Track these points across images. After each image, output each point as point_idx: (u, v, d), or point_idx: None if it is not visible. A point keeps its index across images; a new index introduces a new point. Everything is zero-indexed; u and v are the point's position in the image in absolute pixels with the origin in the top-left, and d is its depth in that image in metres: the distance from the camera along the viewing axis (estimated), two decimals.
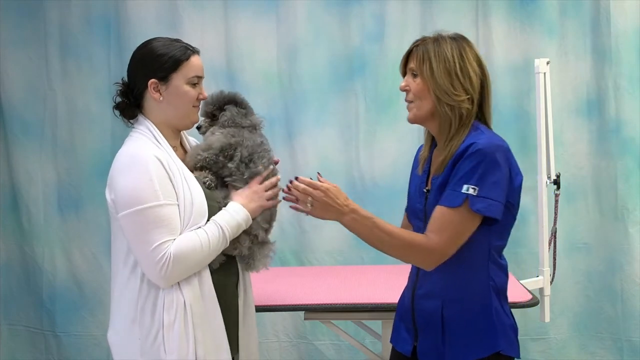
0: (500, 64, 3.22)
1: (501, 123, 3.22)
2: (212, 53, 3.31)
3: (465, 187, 1.61)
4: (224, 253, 1.74)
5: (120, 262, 1.72)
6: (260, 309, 2.21)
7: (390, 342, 1.89)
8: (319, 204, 1.70)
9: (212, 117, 1.84)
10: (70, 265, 3.44)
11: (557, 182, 2.71)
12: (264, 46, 3.31)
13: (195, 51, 1.77)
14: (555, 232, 2.75)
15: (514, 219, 1.74)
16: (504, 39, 3.22)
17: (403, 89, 1.75)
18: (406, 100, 1.76)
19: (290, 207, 1.74)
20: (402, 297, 1.88)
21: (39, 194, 3.43)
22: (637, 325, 3.15)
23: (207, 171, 1.77)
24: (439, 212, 1.64)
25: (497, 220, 1.64)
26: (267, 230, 1.82)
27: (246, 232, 1.76)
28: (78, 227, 3.42)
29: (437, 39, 1.72)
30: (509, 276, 1.78)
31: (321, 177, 1.76)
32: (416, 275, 1.80)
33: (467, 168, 1.62)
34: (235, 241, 1.75)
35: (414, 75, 1.72)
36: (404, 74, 1.77)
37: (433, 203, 1.68)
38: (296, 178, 1.73)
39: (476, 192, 1.60)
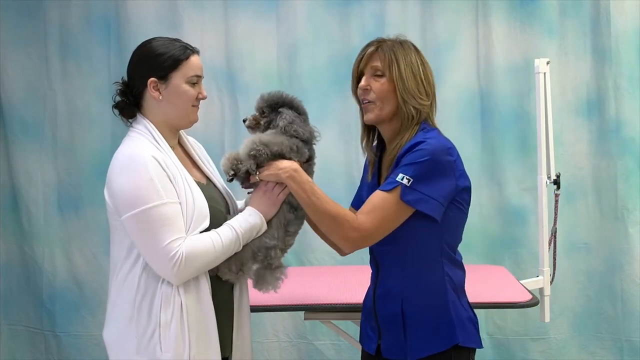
0: (500, 64, 3.22)
1: (501, 123, 3.24)
2: (212, 53, 3.32)
3: (400, 176, 1.64)
4: (227, 279, 1.75)
5: (119, 261, 1.72)
6: (260, 309, 2.21)
7: (360, 342, 1.92)
8: (265, 166, 1.73)
9: (262, 113, 1.82)
10: (70, 265, 3.44)
11: (557, 182, 2.71)
12: (264, 46, 3.31)
13: (195, 51, 1.78)
14: (555, 232, 2.75)
15: (466, 216, 1.77)
16: (504, 39, 3.22)
17: (363, 89, 1.74)
18: (366, 100, 1.75)
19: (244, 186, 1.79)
20: (365, 297, 1.91)
21: (39, 194, 3.43)
22: (637, 325, 3.15)
23: (253, 160, 1.74)
24: (374, 195, 1.68)
25: (433, 217, 1.66)
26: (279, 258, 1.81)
27: (253, 257, 1.76)
28: (78, 227, 3.42)
29: (401, 43, 1.75)
30: (465, 271, 1.81)
31: None
32: (376, 275, 1.83)
33: (409, 161, 1.65)
34: (239, 269, 1.75)
35: (378, 76, 1.72)
36: (360, 74, 1.77)
37: None
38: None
39: (410, 183, 1.63)
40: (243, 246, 1.73)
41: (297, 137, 1.76)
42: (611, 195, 3.18)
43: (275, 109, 1.82)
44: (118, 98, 1.79)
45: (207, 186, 1.81)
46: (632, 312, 3.16)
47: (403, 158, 1.67)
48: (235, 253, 1.73)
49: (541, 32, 3.19)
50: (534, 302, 2.33)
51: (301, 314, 2.44)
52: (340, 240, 1.72)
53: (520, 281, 2.58)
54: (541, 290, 2.68)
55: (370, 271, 1.90)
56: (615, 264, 3.19)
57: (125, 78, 1.78)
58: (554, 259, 2.75)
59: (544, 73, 2.68)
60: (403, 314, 1.74)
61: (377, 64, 1.73)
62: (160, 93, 1.73)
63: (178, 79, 1.73)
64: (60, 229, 3.43)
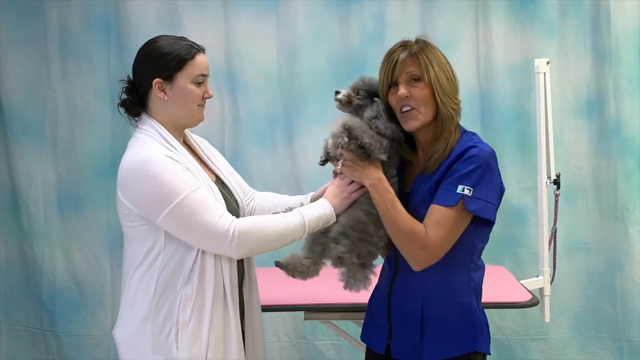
0: (500, 64, 3.22)
1: (501, 123, 3.24)
2: (212, 53, 3.28)
3: (460, 187, 1.63)
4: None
5: (136, 262, 1.71)
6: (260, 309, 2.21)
7: (363, 340, 1.91)
8: (349, 162, 1.72)
9: (357, 93, 1.79)
10: (70, 265, 3.44)
11: (557, 182, 2.71)
12: (264, 46, 3.31)
13: (200, 49, 1.77)
14: (555, 232, 2.75)
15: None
16: (504, 39, 3.22)
17: (404, 97, 1.68)
18: (406, 108, 1.70)
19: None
20: (374, 296, 1.90)
21: (39, 194, 3.43)
22: (637, 325, 3.15)
23: (347, 133, 1.71)
24: (434, 211, 1.66)
25: (490, 222, 1.67)
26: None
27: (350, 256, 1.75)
28: (78, 227, 3.42)
29: (428, 44, 1.72)
30: (484, 274, 1.81)
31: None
32: (393, 274, 1.81)
33: (465, 170, 1.64)
34: (314, 264, 1.78)
35: (415, 80, 1.69)
36: (393, 82, 1.72)
37: (419, 202, 1.71)
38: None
39: (471, 193, 1.63)
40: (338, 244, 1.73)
41: (378, 133, 1.73)
42: (611, 195, 3.18)
43: (370, 97, 1.77)
44: (124, 96, 1.77)
45: (216, 184, 1.80)
46: (632, 312, 3.16)
47: (455, 165, 1.66)
48: (325, 249, 1.74)
49: (541, 32, 3.19)
50: (534, 302, 2.33)
51: (301, 314, 2.44)
52: (410, 257, 1.70)
53: (520, 281, 2.58)
54: (541, 290, 2.68)
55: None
56: (615, 264, 3.19)
57: (131, 76, 1.77)
58: (554, 259, 2.75)
59: (544, 73, 2.68)
60: (422, 314, 1.73)
61: (413, 69, 1.69)
62: (165, 94, 1.72)
63: (183, 79, 1.72)
64: (60, 229, 3.43)
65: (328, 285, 2.49)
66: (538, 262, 2.73)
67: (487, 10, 3.23)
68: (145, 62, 1.73)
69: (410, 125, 1.71)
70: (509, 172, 3.23)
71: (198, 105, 1.77)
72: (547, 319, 2.66)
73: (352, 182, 1.76)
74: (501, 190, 1.73)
